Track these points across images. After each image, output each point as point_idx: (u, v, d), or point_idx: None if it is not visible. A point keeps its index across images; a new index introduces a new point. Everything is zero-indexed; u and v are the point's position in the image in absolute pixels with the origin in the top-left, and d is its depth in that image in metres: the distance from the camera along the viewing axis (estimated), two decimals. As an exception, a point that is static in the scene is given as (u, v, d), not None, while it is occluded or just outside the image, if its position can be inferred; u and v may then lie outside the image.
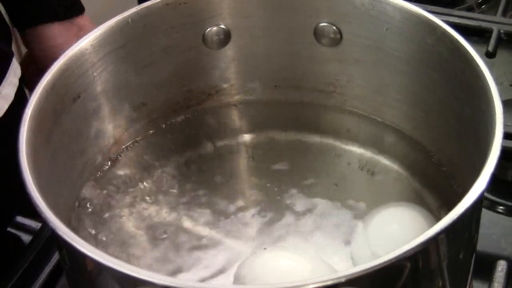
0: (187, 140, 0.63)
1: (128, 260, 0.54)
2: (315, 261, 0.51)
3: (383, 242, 0.51)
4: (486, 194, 0.63)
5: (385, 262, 0.37)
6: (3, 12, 0.83)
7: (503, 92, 0.47)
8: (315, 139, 0.62)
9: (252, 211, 0.57)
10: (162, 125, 0.63)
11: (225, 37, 0.61)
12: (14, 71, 0.79)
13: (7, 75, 0.77)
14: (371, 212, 0.54)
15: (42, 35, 0.86)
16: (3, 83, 0.77)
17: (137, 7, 0.57)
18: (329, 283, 0.36)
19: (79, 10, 0.86)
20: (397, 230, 0.52)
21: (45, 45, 0.86)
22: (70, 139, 0.54)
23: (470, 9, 0.89)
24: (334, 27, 0.59)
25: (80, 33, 0.85)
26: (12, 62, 0.79)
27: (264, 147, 0.62)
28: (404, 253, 0.38)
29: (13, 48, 0.86)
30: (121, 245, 0.55)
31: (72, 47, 0.53)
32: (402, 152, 0.60)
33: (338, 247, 0.54)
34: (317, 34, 0.60)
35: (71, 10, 0.85)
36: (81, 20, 0.85)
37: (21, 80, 0.82)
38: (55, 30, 0.85)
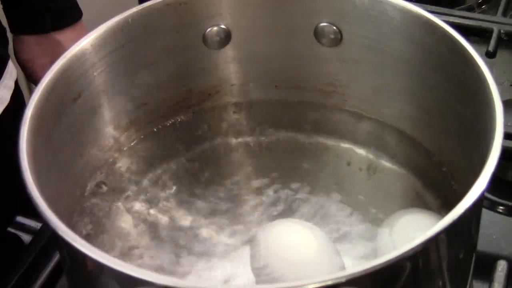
0: (187, 140, 0.63)
1: (128, 260, 0.54)
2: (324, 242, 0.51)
3: None
4: (486, 194, 0.63)
5: (385, 262, 0.37)
6: (0, 15, 0.83)
7: (503, 92, 0.47)
8: (315, 139, 0.62)
9: (252, 211, 0.57)
10: (162, 125, 0.63)
11: (225, 37, 0.61)
12: (10, 74, 0.79)
13: (3, 78, 0.77)
14: (393, 217, 0.54)
15: (15, 45, 0.85)
16: None
17: (137, 7, 0.57)
18: (329, 283, 0.37)
19: (60, 24, 0.82)
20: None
21: (17, 56, 0.85)
22: (71, 139, 0.54)
23: (470, 9, 0.89)
24: (334, 27, 0.59)
25: (56, 49, 0.82)
26: (7, 65, 0.79)
27: (264, 147, 0.62)
28: (404, 253, 0.38)
29: (13, 51, 0.86)
30: (122, 245, 0.55)
31: (72, 47, 0.53)
32: (402, 152, 0.60)
33: (339, 247, 0.54)
34: (317, 34, 0.60)
35: (51, 24, 0.82)
36: (60, 35, 0.83)
37: (18, 82, 0.82)
38: (27, 43, 0.83)
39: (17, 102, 0.80)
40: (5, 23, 0.82)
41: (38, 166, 0.45)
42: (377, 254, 0.52)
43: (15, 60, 0.85)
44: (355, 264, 0.52)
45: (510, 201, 0.63)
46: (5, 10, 0.83)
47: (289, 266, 0.50)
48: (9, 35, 0.83)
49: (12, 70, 0.80)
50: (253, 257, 0.52)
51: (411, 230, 0.52)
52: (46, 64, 0.82)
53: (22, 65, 0.85)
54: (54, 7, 0.82)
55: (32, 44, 0.83)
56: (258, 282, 0.51)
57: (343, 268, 0.51)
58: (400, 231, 0.52)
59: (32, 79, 0.86)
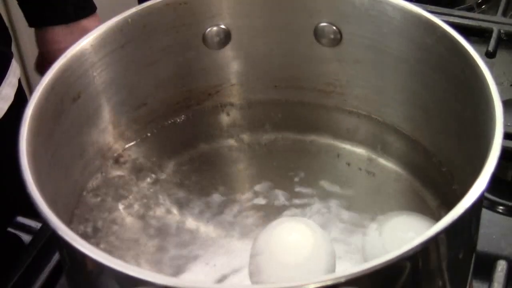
0: (187, 140, 0.63)
1: (128, 260, 0.54)
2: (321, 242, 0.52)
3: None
4: (486, 194, 0.63)
5: (385, 262, 0.37)
6: (3, 13, 0.83)
7: (503, 92, 0.47)
8: (315, 139, 0.62)
9: (252, 210, 0.57)
10: (162, 125, 0.63)
11: (225, 37, 0.61)
12: (14, 72, 0.80)
13: (7, 76, 0.78)
14: (383, 217, 0.54)
15: (45, 38, 0.86)
16: (3, 84, 0.77)
17: (137, 7, 0.57)
18: (329, 283, 0.37)
19: (85, 12, 0.84)
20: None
21: (49, 48, 0.86)
22: (70, 139, 0.54)
23: (470, 9, 0.89)
24: (334, 27, 0.59)
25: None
26: (11, 63, 0.79)
27: (264, 147, 0.62)
28: (404, 253, 0.38)
29: (14, 49, 0.86)
30: (122, 245, 0.55)
31: (72, 47, 0.53)
32: (402, 152, 0.60)
33: (338, 246, 0.54)
34: (317, 34, 0.60)
35: (75, 13, 0.84)
36: (87, 22, 0.84)
37: (20, 80, 0.82)
38: (58, 33, 0.84)
39: (20, 100, 0.80)
40: (6, 21, 0.83)
41: (38, 166, 0.45)
42: (366, 256, 0.52)
43: (18, 58, 0.85)
44: (353, 265, 0.52)
45: (510, 201, 0.63)
46: (23, 4, 0.84)
47: (288, 266, 0.50)
48: (10, 33, 0.84)
49: (15, 68, 0.80)
50: (252, 257, 0.52)
51: (401, 232, 0.52)
52: None
53: (53, 56, 0.86)
54: None
55: (64, 33, 0.84)
56: (257, 282, 0.51)
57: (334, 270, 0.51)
58: (390, 233, 0.52)
59: None
